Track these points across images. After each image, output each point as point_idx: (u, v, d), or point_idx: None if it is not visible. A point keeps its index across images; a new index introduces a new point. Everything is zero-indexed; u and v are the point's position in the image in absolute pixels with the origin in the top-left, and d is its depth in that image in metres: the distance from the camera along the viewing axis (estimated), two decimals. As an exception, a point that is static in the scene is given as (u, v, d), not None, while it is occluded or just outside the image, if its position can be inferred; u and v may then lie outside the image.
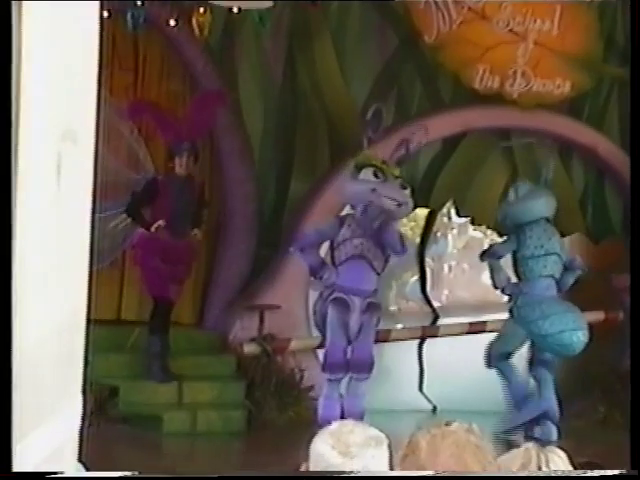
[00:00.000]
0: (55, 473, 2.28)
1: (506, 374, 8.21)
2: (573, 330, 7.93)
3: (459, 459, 2.19)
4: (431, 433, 2.26)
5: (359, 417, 7.03)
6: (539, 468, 2.49)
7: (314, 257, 7.76)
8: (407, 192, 7.73)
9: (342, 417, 7.27)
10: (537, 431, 8.04)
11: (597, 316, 9.45)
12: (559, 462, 2.51)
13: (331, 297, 7.60)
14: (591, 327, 9.43)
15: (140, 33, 8.50)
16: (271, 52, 9.35)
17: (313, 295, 8.27)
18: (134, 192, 8.34)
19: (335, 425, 2.44)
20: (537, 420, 8.14)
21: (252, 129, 9.31)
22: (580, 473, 2.52)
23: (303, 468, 2.41)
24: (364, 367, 7.64)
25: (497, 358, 8.18)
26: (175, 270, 8.27)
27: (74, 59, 2.15)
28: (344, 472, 2.28)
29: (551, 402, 8.17)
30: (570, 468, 2.50)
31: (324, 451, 2.36)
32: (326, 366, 7.72)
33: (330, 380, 7.71)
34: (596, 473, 2.50)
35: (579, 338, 7.93)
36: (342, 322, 7.61)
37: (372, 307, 7.69)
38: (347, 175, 7.79)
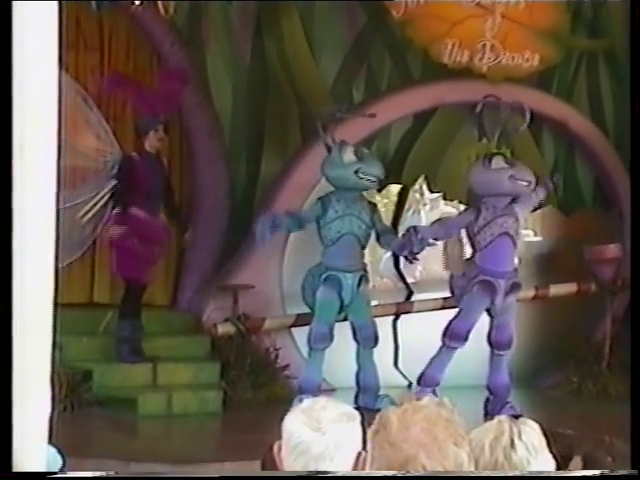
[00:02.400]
0: (55, 473, 2.27)
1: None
2: None
3: (430, 433, 2.18)
4: (402, 408, 2.25)
5: (507, 389, 8.17)
6: (512, 440, 2.49)
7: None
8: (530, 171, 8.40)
9: (490, 391, 8.22)
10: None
11: (570, 288, 9.50)
12: (532, 434, 2.51)
13: (477, 280, 8.10)
14: (564, 299, 9.52)
15: (105, 13, 8.42)
16: (239, 30, 9.27)
17: None
18: (115, 176, 8.36)
19: (307, 402, 2.42)
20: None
21: (221, 108, 9.25)
22: (581, 473, 2.52)
23: (275, 446, 2.40)
24: (507, 345, 8.22)
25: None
26: (150, 251, 8.23)
27: (34, 43, 2.12)
28: (335, 472, 2.27)
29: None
30: (543, 439, 2.51)
31: (296, 428, 2.34)
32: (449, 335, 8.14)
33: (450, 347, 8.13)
34: (597, 473, 2.51)
35: None
36: (486, 303, 8.14)
37: (515, 287, 8.25)
38: (478, 168, 8.26)
